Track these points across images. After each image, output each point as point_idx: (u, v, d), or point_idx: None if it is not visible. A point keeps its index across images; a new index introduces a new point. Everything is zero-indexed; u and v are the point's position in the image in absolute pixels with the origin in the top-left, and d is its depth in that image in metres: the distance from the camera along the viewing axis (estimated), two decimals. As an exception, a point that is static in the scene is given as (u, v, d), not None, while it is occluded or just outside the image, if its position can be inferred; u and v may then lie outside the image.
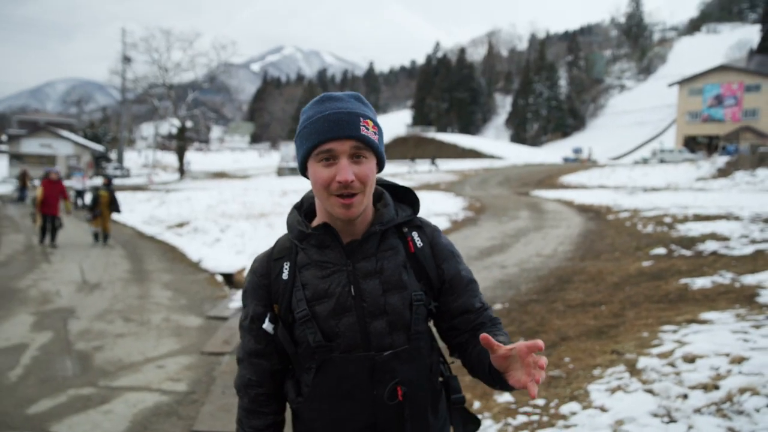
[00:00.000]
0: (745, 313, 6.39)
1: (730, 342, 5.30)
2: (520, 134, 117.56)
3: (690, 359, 4.93)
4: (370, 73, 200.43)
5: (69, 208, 15.10)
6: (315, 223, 1.65)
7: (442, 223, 17.36)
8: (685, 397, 4.29)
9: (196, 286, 10.02)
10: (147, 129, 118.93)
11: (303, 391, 1.63)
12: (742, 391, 4.20)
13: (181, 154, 54.25)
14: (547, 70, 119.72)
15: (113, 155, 69.75)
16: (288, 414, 1.76)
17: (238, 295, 9.20)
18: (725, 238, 11.61)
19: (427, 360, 1.65)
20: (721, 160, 36.47)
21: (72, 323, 7.48)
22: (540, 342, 1.31)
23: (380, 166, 1.60)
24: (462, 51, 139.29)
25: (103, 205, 14.74)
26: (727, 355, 4.89)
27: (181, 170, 54.35)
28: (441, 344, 1.78)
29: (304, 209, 1.72)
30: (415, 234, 1.68)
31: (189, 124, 56.65)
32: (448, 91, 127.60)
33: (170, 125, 59.78)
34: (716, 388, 4.34)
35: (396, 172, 50.34)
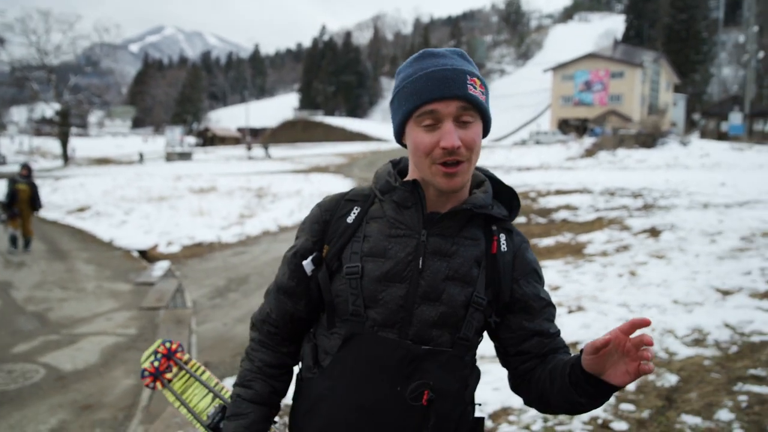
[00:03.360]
0: (572, 260, 8.37)
1: (554, 277, 7.21)
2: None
3: (523, 288, 6.78)
4: (255, 55, 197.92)
5: None
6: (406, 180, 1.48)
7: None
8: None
9: (115, 261, 11.05)
10: (18, 113, 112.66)
11: (321, 360, 1.46)
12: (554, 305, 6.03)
13: (64, 140, 52.64)
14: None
15: (-15, 142, 66.17)
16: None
17: (158, 265, 10.35)
18: (575, 208, 13.83)
19: (467, 377, 1.45)
20: (588, 142, 39.84)
21: (14, 293, 8.46)
22: (647, 318, 1.16)
23: (486, 131, 1.43)
24: (348, 35, 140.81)
25: (23, 201, 11.88)
26: (549, 285, 6.76)
27: (65, 157, 52.77)
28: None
29: (399, 167, 1.55)
30: (502, 236, 1.49)
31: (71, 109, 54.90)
32: (335, 74, 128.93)
33: (46, 110, 57.65)
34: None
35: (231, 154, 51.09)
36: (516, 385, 1.54)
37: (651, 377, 4.28)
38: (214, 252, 12.06)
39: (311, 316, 1.53)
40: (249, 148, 57.36)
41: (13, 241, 11.84)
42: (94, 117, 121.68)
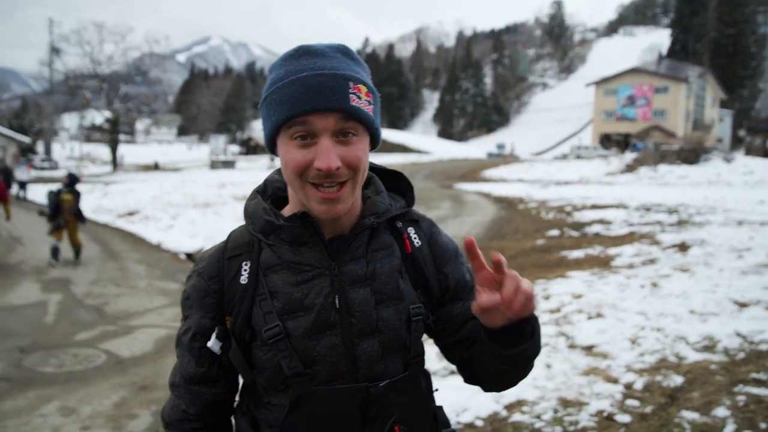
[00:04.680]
0: (598, 271, 8.68)
1: (578, 287, 7.55)
2: (447, 129, 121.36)
3: (546, 296, 7.13)
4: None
5: (9, 212, 11.39)
6: (287, 212, 1.31)
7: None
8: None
9: (164, 262, 11.71)
10: (69, 120, 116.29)
11: None
12: (575, 311, 6.39)
13: (113, 146, 54.50)
14: (474, 67, 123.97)
15: (39, 147, 68.70)
16: None
17: (204, 268, 10.96)
18: (609, 222, 14.05)
19: (425, 389, 1.39)
20: (629, 157, 39.60)
21: (73, 288, 9.15)
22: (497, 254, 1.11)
23: (374, 144, 1.27)
24: (391, 47, 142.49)
25: (67, 212, 11.21)
26: (572, 294, 7.11)
27: (114, 163, 54.58)
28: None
29: (268, 195, 1.38)
30: (411, 230, 1.37)
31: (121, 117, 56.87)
32: (377, 86, 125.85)
33: (97, 117, 59.73)
34: (558, 311, 6.52)
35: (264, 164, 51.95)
36: (468, 376, 1.43)
37: (658, 377, 4.61)
38: (257, 256, 12.64)
39: (233, 395, 1.41)
40: (272, 159, 58.49)
41: (55, 253, 11.08)
42: (141, 125, 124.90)
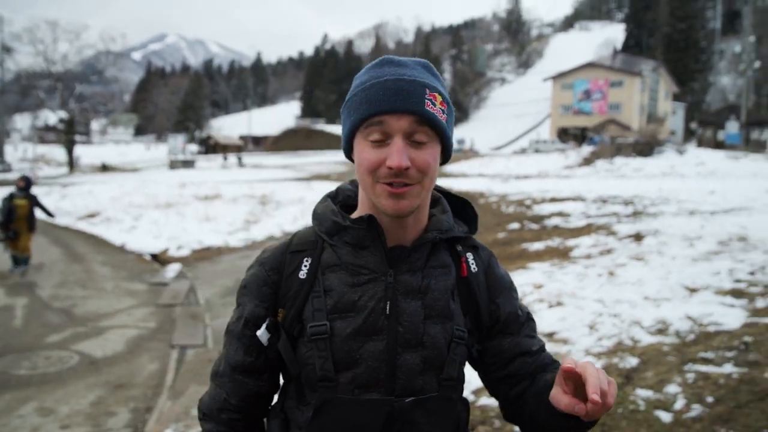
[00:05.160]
0: (558, 262, 9.00)
1: (539, 277, 7.84)
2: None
3: (510, 287, 7.40)
4: (257, 63, 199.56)
5: None
6: (355, 216, 1.33)
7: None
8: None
9: (129, 264, 11.69)
10: (21, 121, 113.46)
11: None
12: (536, 301, 6.66)
13: (69, 147, 53.47)
14: (433, 62, 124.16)
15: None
16: None
17: (170, 267, 10.98)
18: (567, 215, 14.45)
19: (458, 416, 1.34)
20: (586, 150, 40.31)
21: (39, 291, 9.11)
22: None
23: (445, 156, 1.30)
24: (350, 43, 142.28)
25: (21, 218, 10.61)
26: (534, 284, 7.39)
27: (71, 164, 53.57)
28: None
29: (339, 200, 1.42)
30: (470, 255, 1.38)
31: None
32: (337, 83, 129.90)
33: (50, 117, 58.54)
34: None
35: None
36: (511, 414, 1.42)
37: (615, 359, 4.89)
38: (223, 255, 12.68)
39: (275, 389, 1.40)
40: (225, 158, 58.36)
41: (15, 261, 10.65)
42: (97, 125, 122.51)
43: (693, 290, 6.72)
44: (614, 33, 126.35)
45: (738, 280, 7.00)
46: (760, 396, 3.99)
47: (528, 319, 1.44)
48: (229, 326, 1.37)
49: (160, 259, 12.66)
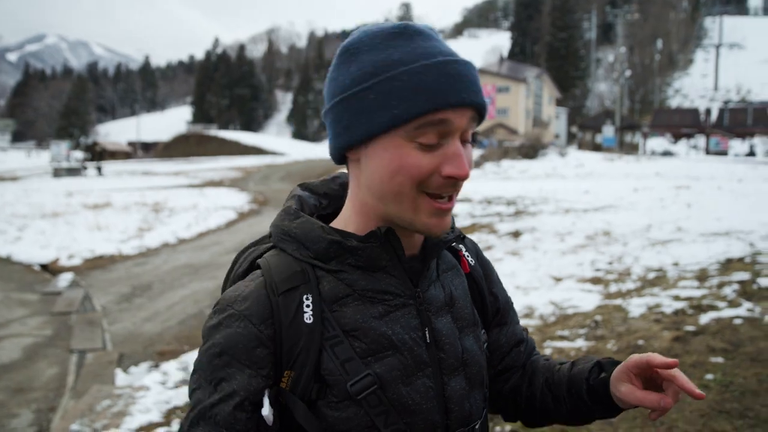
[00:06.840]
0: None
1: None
2: (301, 130, 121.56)
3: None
4: (146, 67, 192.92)
5: None
6: (352, 230, 1.05)
7: (229, 215, 19.44)
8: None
9: (17, 275, 11.41)
10: None
11: None
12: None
13: (-60, 155, 50.00)
14: (326, 68, 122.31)
15: None
16: None
17: (62, 276, 10.84)
18: (454, 216, 15.25)
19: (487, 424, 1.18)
20: (476, 153, 42.24)
21: None
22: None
23: None
24: (242, 47, 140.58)
25: None
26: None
27: (-59, 173, 50.10)
28: None
29: (307, 214, 1.11)
30: (461, 247, 1.19)
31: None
32: (229, 87, 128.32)
33: None
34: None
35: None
36: (500, 408, 1.30)
37: (486, 341, 5.53)
38: (116, 263, 12.57)
39: None
40: (84, 168, 55.23)
41: None
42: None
43: (558, 279, 7.53)
44: (501, 41, 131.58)
45: (598, 269, 7.90)
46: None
47: (512, 304, 1.30)
48: (202, 411, 0.96)
49: (50, 269, 12.38)
